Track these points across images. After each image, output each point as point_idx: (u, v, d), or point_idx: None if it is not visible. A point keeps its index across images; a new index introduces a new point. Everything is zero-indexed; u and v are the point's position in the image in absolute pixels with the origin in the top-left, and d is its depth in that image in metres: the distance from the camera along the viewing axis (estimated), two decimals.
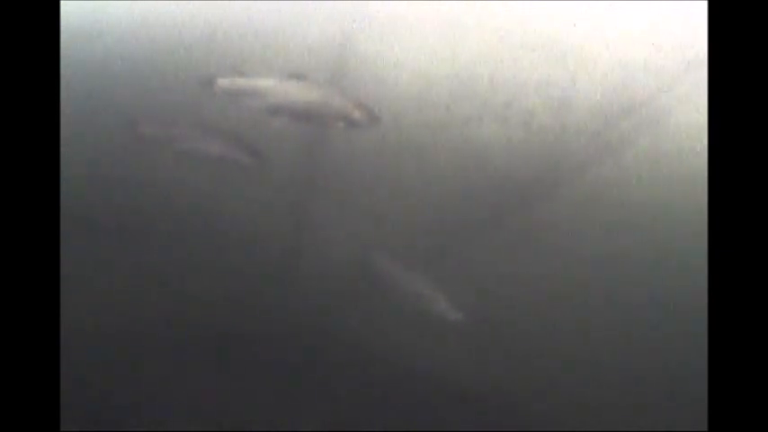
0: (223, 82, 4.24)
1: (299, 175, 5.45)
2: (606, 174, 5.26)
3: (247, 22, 5.62)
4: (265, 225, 5.34)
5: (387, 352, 4.86)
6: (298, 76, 4.16)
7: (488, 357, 4.88)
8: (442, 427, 4.51)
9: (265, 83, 4.18)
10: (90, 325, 4.59)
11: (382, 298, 4.87)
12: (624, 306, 4.91)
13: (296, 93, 4.13)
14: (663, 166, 5.15)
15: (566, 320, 4.91)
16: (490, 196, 5.25)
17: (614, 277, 4.95)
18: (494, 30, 5.39)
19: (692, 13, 4.89)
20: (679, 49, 5.12)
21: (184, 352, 4.72)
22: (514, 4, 5.33)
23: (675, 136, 5.13)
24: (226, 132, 4.69)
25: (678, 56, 5.14)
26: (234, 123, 4.61)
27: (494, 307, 4.86)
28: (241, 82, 4.23)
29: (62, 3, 2.94)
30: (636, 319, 4.87)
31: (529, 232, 5.14)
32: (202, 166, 4.84)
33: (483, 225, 5.26)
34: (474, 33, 5.42)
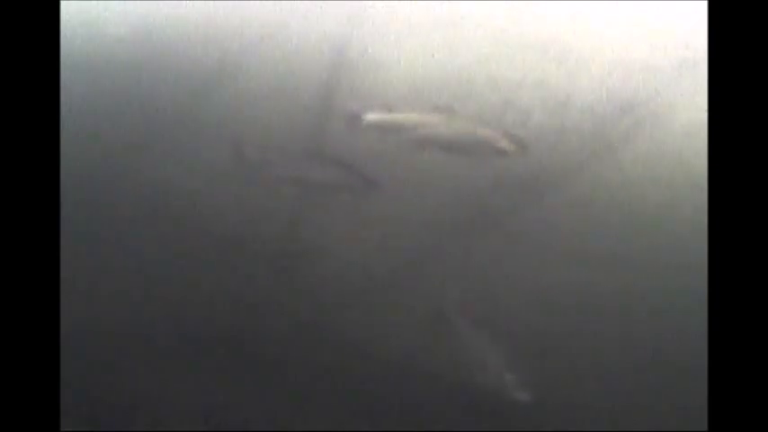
0: (371, 117, 4.26)
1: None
2: (605, 174, 5.26)
3: (242, 19, 5.62)
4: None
5: (387, 352, 4.86)
6: (443, 108, 4.20)
7: (488, 358, 4.88)
8: (443, 427, 4.51)
9: (411, 117, 4.21)
10: (90, 325, 4.59)
11: (383, 298, 4.87)
12: (623, 306, 4.91)
13: (443, 125, 4.18)
14: (662, 166, 5.15)
15: (564, 321, 4.91)
16: (488, 196, 5.26)
17: (613, 277, 4.95)
18: (492, 29, 5.40)
19: (691, 13, 4.90)
20: (678, 48, 5.12)
21: (184, 352, 4.72)
22: (513, 3, 5.34)
23: (675, 136, 5.13)
24: (338, 159, 4.65)
25: (677, 55, 5.14)
26: (347, 150, 4.59)
27: (493, 307, 4.87)
28: (387, 117, 4.26)
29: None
30: (635, 318, 4.87)
31: (526, 233, 5.14)
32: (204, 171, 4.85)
33: (480, 225, 5.26)
34: (472, 33, 5.42)
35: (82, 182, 4.84)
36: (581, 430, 4.43)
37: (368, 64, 5.50)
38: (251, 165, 4.79)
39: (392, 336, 4.92)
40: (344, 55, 5.53)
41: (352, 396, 4.63)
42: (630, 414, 4.55)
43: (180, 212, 5.27)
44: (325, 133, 5.06)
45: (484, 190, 5.14)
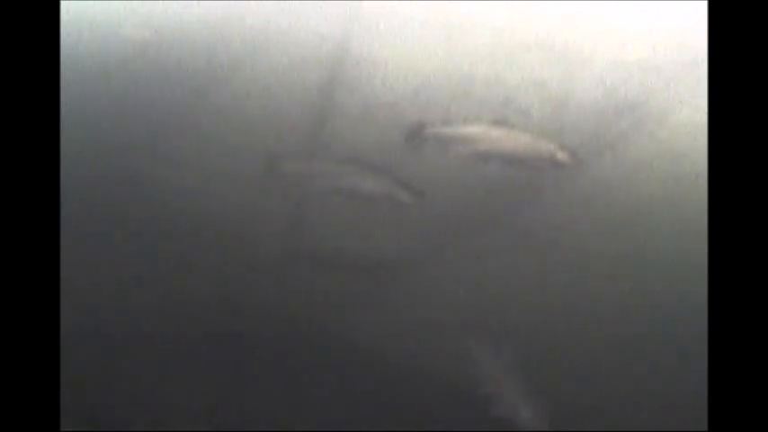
0: (432, 130, 4.29)
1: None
2: (604, 173, 5.26)
3: (245, 21, 5.62)
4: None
5: (387, 352, 4.85)
6: (503, 122, 4.24)
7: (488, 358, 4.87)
8: (443, 427, 4.50)
9: (472, 130, 4.22)
10: (90, 325, 4.59)
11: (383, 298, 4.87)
12: (623, 306, 4.91)
13: (504, 139, 4.20)
14: (662, 166, 5.15)
15: (563, 321, 4.90)
16: (487, 196, 5.25)
17: (613, 277, 4.95)
18: (491, 29, 5.40)
19: (690, 13, 4.90)
20: (677, 48, 5.12)
21: (184, 352, 4.72)
22: (513, 3, 5.34)
23: (674, 135, 5.13)
24: (382, 169, 4.59)
25: (676, 55, 5.14)
26: (391, 160, 4.57)
27: (492, 307, 4.86)
28: (449, 130, 4.28)
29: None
30: (635, 318, 4.87)
31: (526, 232, 5.14)
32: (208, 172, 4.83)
33: (479, 225, 5.26)
34: (471, 33, 5.42)
35: (82, 182, 4.83)
36: (581, 430, 4.42)
37: (368, 63, 5.50)
38: (288, 178, 4.74)
39: (392, 336, 4.92)
40: (344, 54, 5.53)
41: (352, 396, 4.62)
42: (630, 414, 4.54)
43: (180, 212, 5.27)
44: (328, 132, 5.05)
45: (488, 191, 5.15)
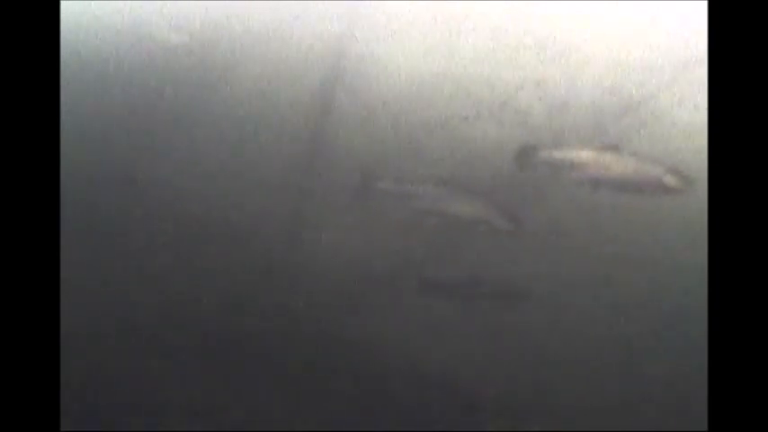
0: (544, 154, 4.28)
1: None
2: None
3: (244, 21, 5.62)
4: None
5: (386, 352, 4.86)
6: (612, 147, 4.21)
7: (488, 358, 4.88)
8: (443, 427, 4.51)
9: (583, 155, 4.21)
10: (90, 325, 4.59)
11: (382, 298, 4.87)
12: (623, 306, 4.91)
13: (614, 164, 4.16)
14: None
15: (563, 321, 4.90)
16: (486, 195, 5.25)
17: (612, 277, 4.95)
18: (490, 29, 5.40)
19: (689, 13, 4.90)
20: (676, 48, 5.12)
21: (184, 352, 4.72)
22: (512, 3, 5.33)
23: (674, 135, 5.12)
24: (479, 194, 4.61)
25: (676, 55, 5.14)
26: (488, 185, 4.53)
27: (491, 307, 4.86)
28: (560, 155, 4.27)
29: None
30: (635, 319, 4.87)
31: (525, 232, 5.14)
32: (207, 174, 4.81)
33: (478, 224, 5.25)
34: (471, 33, 5.42)
35: (82, 182, 4.83)
36: (581, 430, 4.42)
37: (368, 63, 5.50)
38: (382, 196, 4.72)
39: (392, 336, 4.92)
40: (344, 54, 5.53)
41: (351, 396, 4.63)
42: (630, 414, 4.55)
43: (180, 212, 5.27)
44: (329, 133, 5.04)
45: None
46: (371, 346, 4.83)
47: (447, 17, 5.47)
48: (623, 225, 4.99)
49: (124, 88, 5.56)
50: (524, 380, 4.75)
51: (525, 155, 4.33)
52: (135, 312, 4.86)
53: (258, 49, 5.60)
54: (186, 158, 5.37)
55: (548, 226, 5.00)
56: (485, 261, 4.98)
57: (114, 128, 5.42)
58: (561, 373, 4.77)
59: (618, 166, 4.18)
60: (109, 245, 5.11)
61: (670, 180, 4.16)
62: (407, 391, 4.69)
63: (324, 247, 5.28)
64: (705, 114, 2.61)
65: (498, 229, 4.61)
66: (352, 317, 5.00)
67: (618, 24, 5.24)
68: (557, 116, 5.27)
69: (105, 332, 4.68)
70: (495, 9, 5.36)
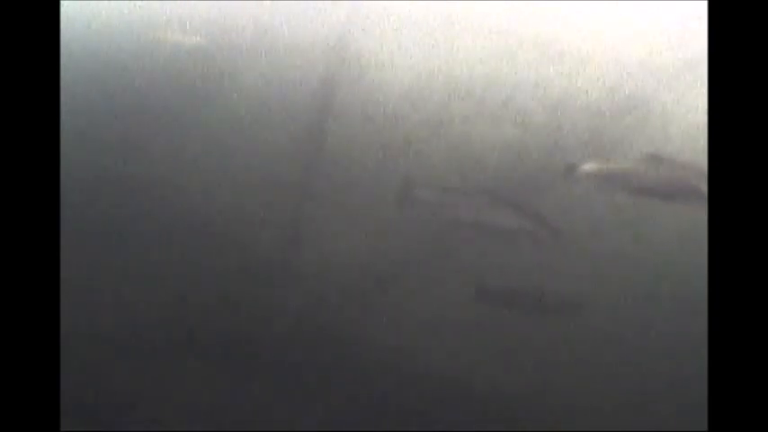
0: (587, 167, 4.24)
1: None
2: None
3: (243, 21, 5.62)
4: None
5: (386, 352, 4.86)
6: (654, 157, 4.17)
7: (488, 358, 4.88)
8: (443, 427, 4.51)
9: (624, 166, 4.18)
10: (90, 325, 4.59)
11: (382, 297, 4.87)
12: (623, 306, 4.91)
13: (656, 173, 4.12)
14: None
15: (563, 321, 4.90)
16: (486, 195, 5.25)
17: (612, 277, 4.95)
18: (490, 29, 5.39)
19: (689, 13, 4.90)
20: (676, 48, 5.12)
21: (184, 352, 4.72)
22: (512, 3, 5.33)
23: (673, 135, 5.13)
24: (519, 205, 4.57)
25: (675, 55, 5.14)
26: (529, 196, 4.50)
27: (491, 307, 4.86)
28: (603, 167, 4.23)
29: None
30: (635, 319, 4.87)
31: (524, 232, 5.13)
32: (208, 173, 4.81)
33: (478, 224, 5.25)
34: (470, 33, 5.42)
35: (82, 182, 4.84)
36: (581, 430, 4.42)
37: (367, 64, 5.50)
38: (421, 205, 4.69)
39: (392, 336, 4.92)
40: (344, 55, 5.53)
41: (351, 396, 4.63)
42: (630, 414, 4.55)
43: (179, 212, 5.27)
44: (329, 132, 5.02)
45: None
46: (384, 349, 4.83)
47: (447, 17, 5.47)
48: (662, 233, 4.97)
49: (124, 88, 5.55)
50: (523, 380, 4.74)
51: (571, 168, 4.28)
52: (135, 312, 4.86)
53: (257, 49, 5.59)
54: (186, 158, 5.36)
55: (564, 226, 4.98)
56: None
57: (115, 128, 5.41)
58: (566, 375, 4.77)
59: (658, 174, 4.13)
60: (110, 245, 5.11)
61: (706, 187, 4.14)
62: (416, 392, 4.70)
63: (324, 248, 5.29)
64: (705, 114, 2.61)
65: (498, 230, 4.59)
66: (360, 316, 5.00)
67: (618, 24, 5.23)
68: (557, 116, 5.27)
69: (105, 332, 4.68)
70: (495, 9, 5.36)
